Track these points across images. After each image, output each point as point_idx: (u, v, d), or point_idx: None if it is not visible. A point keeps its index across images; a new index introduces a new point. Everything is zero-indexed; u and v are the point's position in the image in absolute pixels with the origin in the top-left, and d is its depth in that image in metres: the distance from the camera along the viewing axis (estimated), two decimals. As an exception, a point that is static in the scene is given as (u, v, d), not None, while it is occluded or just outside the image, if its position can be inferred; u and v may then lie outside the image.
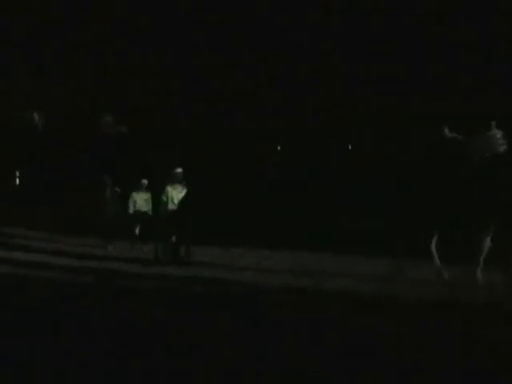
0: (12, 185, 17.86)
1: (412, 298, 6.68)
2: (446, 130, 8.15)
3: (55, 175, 16.37)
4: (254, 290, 7.58)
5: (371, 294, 6.97)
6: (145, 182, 13.06)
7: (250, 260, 10.49)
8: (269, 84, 17.01)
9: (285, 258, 10.80)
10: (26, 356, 4.33)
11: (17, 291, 7.14)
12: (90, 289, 7.55)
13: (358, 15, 16.12)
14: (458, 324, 5.48)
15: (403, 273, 8.49)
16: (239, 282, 8.16)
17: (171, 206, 10.66)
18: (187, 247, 10.33)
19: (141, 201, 12.94)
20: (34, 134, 18.11)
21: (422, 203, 8.65)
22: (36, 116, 18.12)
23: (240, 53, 17.21)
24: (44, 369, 4.09)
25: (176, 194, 10.69)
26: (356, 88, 16.05)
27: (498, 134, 7.80)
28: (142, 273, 9.12)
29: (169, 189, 10.71)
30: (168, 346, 4.73)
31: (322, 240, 11.62)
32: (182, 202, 10.58)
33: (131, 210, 12.90)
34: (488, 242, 7.63)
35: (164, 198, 10.80)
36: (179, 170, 10.81)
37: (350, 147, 16.69)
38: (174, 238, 10.57)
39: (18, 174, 18.00)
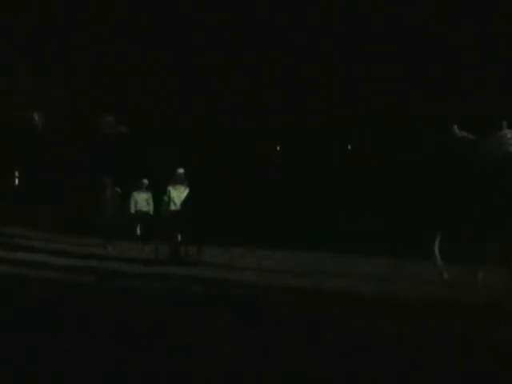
0: (12, 185, 17.85)
1: (412, 298, 6.68)
2: (456, 129, 8.10)
3: (55, 175, 16.36)
4: (254, 290, 7.59)
5: (371, 294, 6.97)
6: (145, 181, 13.06)
7: (250, 260, 10.49)
8: (269, 84, 17.01)
9: (285, 258, 10.79)
10: (26, 356, 4.33)
11: (17, 291, 7.14)
12: (90, 289, 7.55)
13: (358, 15, 16.13)
14: (458, 324, 5.48)
15: (403, 273, 8.49)
16: (239, 282, 8.15)
17: (173, 207, 10.65)
18: (198, 248, 10.30)
19: (141, 201, 12.93)
20: (34, 133, 18.11)
21: (428, 203, 8.62)
22: (36, 116, 18.12)
23: (240, 53, 17.22)
24: (44, 369, 4.09)
25: (178, 194, 10.69)
26: (356, 88, 16.05)
27: (509, 133, 7.78)
28: (142, 273, 9.12)
29: (170, 189, 10.71)
30: (168, 346, 4.73)
31: (322, 240, 11.61)
32: (186, 202, 10.58)
33: (132, 210, 12.89)
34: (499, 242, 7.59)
35: (166, 199, 10.79)
36: (181, 170, 10.80)
37: (349, 147, 16.68)
38: (176, 239, 10.55)
39: (17, 174, 17.99)
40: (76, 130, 17.41)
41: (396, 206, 12.53)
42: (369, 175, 14.27)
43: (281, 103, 16.89)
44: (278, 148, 17.61)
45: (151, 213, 12.85)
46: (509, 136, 7.75)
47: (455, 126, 8.11)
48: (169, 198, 10.71)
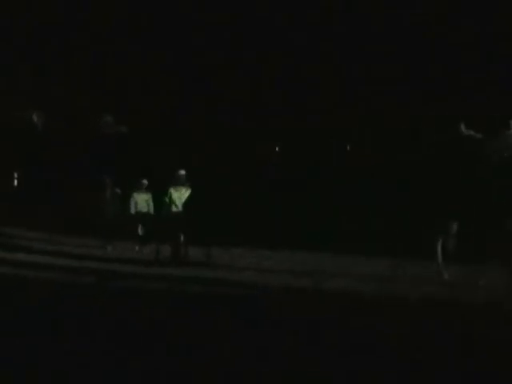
0: (11, 185, 17.85)
1: (412, 298, 6.68)
2: (463, 127, 8.08)
3: (55, 175, 16.36)
4: (254, 290, 7.59)
5: (371, 294, 6.97)
6: (145, 182, 13.05)
7: (250, 260, 10.49)
8: (269, 84, 17.00)
9: (285, 258, 10.79)
10: (26, 356, 4.33)
11: (17, 291, 7.15)
12: (90, 289, 7.55)
13: (358, 15, 16.12)
14: (458, 324, 5.48)
15: (403, 273, 8.50)
16: (239, 282, 8.16)
17: (174, 208, 10.63)
18: (208, 250, 10.27)
19: (142, 201, 12.92)
20: (34, 134, 18.10)
21: (430, 202, 8.61)
22: (35, 116, 18.11)
23: (240, 53, 17.21)
24: (44, 369, 4.09)
25: (179, 195, 10.67)
26: (356, 88, 16.04)
27: None
28: (142, 273, 9.13)
29: (172, 191, 10.68)
30: (168, 346, 4.73)
31: (322, 240, 11.61)
32: (187, 203, 10.57)
33: (132, 211, 12.88)
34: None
35: (167, 200, 10.76)
36: (182, 172, 10.78)
37: (348, 148, 16.68)
38: (178, 240, 10.54)
39: (16, 175, 17.99)
40: (76, 129, 17.40)
41: (396, 206, 12.54)
42: (369, 175, 14.28)
43: (281, 103, 16.88)
44: (278, 149, 17.61)
45: (151, 213, 12.85)
46: None
47: (462, 125, 8.07)
48: (170, 199, 10.69)
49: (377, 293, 7.05)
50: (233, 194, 13.52)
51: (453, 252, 7.84)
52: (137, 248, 12.12)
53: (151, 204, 12.90)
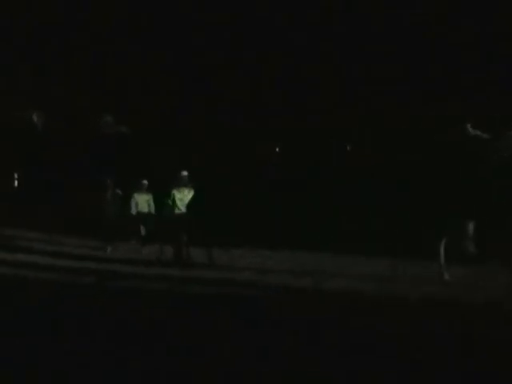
0: (11, 186, 17.84)
1: (412, 298, 6.68)
2: (469, 128, 8.06)
3: (55, 175, 16.35)
4: (254, 290, 7.59)
5: (371, 294, 6.97)
6: (145, 182, 13.05)
7: (250, 260, 10.49)
8: (269, 84, 16.99)
9: (285, 258, 10.79)
10: (26, 356, 4.33)
11: (17, 291, 7.15)
12: (90, 289, 7.55)
13: (358, 15, 16.11)
14: (458, 324, 5.48)
15: (403, 273, 8.49)
16: (239, 282, 8.16)
17: (177, 210, 10.61)
18: (210, 252, 10.25)
19: (142, 202, 12.92)
20: (34, 134, 18.09)
21: (433, 202, 8.59)
22: (35, 116, 18.11)
23: (240, 53, 17.20)
24: (44, 369, 4.10)
25: (182, 197, 10.65)
26: (356, 88, 16.03)
27: None
28: (142, 273, 9.13)
29: (175, 192, 10.66)
30: (168, 346, 4.73)
31: (322, 240, 11.61)
32: (191, 205, 10.55)
33: (133, 211, 12.87)
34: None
35: (170, 202, 10.72)
36: (185, 173, 10.76)
37: (348, 148, 16.67)
38: (181, 241, 10.51)
39: (16, 175, 17.98)
40: (76, 129, 17.40)
41: (396, 206, 12.54)
42: (369, 175, 14.27)
43: (281, 103, 16.87)
44: (278, 149, 17.61)
45: (153, 214, 12.83)
46: None
47: (469, 125, 8.05)
48: (173, 201, 10.66)
49: (377, 293, 7.05)
50: (233, 195, 13.51)
51: (474, 254, 7.77)
52: (146, 250, 12.05)
53: (152, 204, 12.91)
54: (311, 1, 16.68)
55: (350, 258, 10.20)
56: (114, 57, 17.91)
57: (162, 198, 11.43)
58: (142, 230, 12.94)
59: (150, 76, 17.64)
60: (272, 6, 16.81)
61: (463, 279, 7.71)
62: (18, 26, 17.94)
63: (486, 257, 7.70)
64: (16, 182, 17.97)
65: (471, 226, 7.69)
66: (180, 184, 10.70)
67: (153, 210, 12.88)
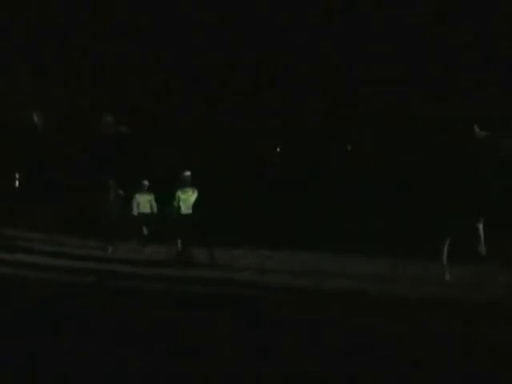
0: (11, 186, 17.84)
1: (412, 298, 6.68)
2: (477, 129, 8.04)
3: (55, 175, 16.35)
4: (254, 289, 7.59)
5: (371, 294, 6.97)
6: (146, 183, 13.04)
7: (250, 260, 10.49)
8: (269, 84, 17.00)
9: (285, 258, 10.79)
10: (26, 356, 4.33)
11: (17, 291, 7.15)
12: (90, 289, 7.56)
13: (358, 15, 16.11)
14: (458, 324, 5.48)
15: (403, 273, 8.49)
16: (239, 282, 8.16)
17: (182, 211, 10.58)
18: (210, 251, 10.21)
19: (144, 202, 12.91)
20: (34, 134, 18.10)
21: (434, 203, 8.57)
22: (35, 117, 18.11)
23: (240, 53, 17.20)
24: (44, 369, 4.10)
25: (186, 197, 10.63)
26: (356, 88, 16.04)
27: None
28: (142, 273, 9.12)
29: (179, 193, 10.63)
30: (168, 345, 4.73)
31: (322, 240, 11.61)
32: (196, 205, 10.54)
33: (135, 212, 12.86)
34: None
35: (175, 204, 10.68)
36: (188, 173, 10.73)
37: (348, 148, 16.67)
38: (188, 241, 10.49)
39: (17, 175, 17.98)
40: (76, 129, 17.41)
41: (396, 206, 12.54)
42: (369, 175, 14.27)
43: (281, 103, 16.87)
44: (278, 149, 17.61)
45: (155, 214, 12.82)
46: None
47: (476, 126, 8.04)
48: (178, 202, 10.63)
49: (377, 293, 7.05)
50: (233, 195, 13.51)
51: (484, 256, 7.76)
52: (142, 249, 12.07)
53: (154, 204, 12.90)
54: (311, 1, 16.68)
55: (350, 258, 10.19)
56: (114, 57, 17.92)
57: (166, 199, 11.40)
58: (145, 231, 12.94)
59: (150, 76, 17.65)
60: (272, 6, 16.81)
61: (463, 279, 7.71)
62: (18, 25, 17.94)
63: (486, 257, 7.70)
64: (17, 182, 17.96)
65: (481, 228, 7.69)
66: (184, 185, 10.66)
67: (155, 210, 12.87)
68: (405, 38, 15.12)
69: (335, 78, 15.93)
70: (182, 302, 6.75)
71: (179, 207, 10.61)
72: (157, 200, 12.92)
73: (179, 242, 10.71)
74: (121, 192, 13.13)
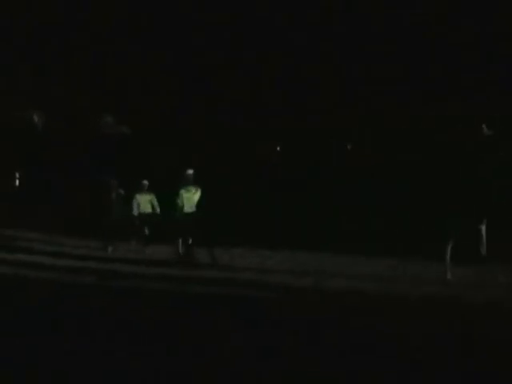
0: (12, 186, 17.84)
1: (412, 298, 6.68)
2: (485, 128, 8.03)
3: (55, 175, 16.35)
4: (254, 290, 7.59)
5: (371, 294, 6.97)
6: (146, 182, 13.02)
7: (250, 260, 10.49)
8: (269, 84, 17.00)
9: (285, 257, 10.79)
10: (26, 356, 4.33)
11: (17, 291, 7.15)
12: (90, 289, 7.56)
13: (358, 15, 16.11)
14: (458, 324, 5.48)
15: (403, 273, 8.50)
16: (239, 282, 8.16)
17: (186, 210, 10.55)
18: (211, 251, 10.18)
19: (145, 202, 12.89)
20: (34, 134, 18.10)
21: (434, 202, 8.56)
22: (36, 117, 18.12)
23: (240, 53, 17.21)
24: (44, 369, 4.10)
25: (190, 196, 10.59)
26: (356, 88, 16.04)
27: None
28: (142, 273, 9.12)
29: (182, 192, 10.60)
30: (168, 345, 4.73)
31: (322, 240, 11.61)
32: (199, 204, 10.51)
33: (135, 212, 12.84)
34: None
35: (179, 202, 10.63)
36: (190, 171, 10.69)
37: (349, 147, 16.67)
38: (193, 240, 10.46)
39: (17, 175, 17.98)
40: (76, 129, 17.41)
41: (396, 206, 12.54)
42: (369, 175, 14.26)
43: (281, 103, 16.87)
44: (278, 148, 17.61)
45: (157, 213, 12.80)
46: None
47: (484, 125, 8.02)
48: (182, 201, 10.59)
49: (377, 293, 7.05)
50: (233, 194, 13.51)
51: (485, 256, 7.74)
52: (143, 249, 12.07)
53: (155, 203, 12.87)
54: (311, 1, 16.69)
55: (350, 258, 10.19)
56: (114, 57, 17.92)
57: (169, 198, 11.36)
58: (146, 231, 12.92)
59: (150, 76, 17.65)
60: (272, 6, 16.81)
61: (463, 279, 7.71)
62: (18, 26, 17.95)
63: (487, 257, 7.70)
64: (17, 182, 17.96)
65: (484, 229, 7.68)
66: (187, 183, 10.62)
67: (157, 210, 12.84)
68: (405, 37, 15.12)
69: (335, 77, 15.93)
70: (182, 302, 6.75)
71: (182, 206, 10.58)
72: (158, 200, 12.90)
73: (182, 241, 10.69)
74: (122, 192, 13.11)
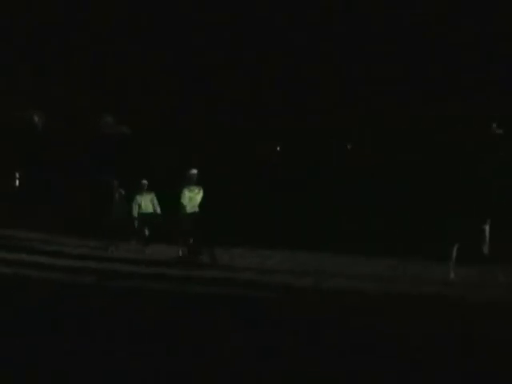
0: (12, 186, 17.83)
1: (412, 298, 6.68)
2: (495, 127, 8.01)
3: (55, 175, 16.34)
4: (254, 290, 7.59)
5: (371, 294, 6.97)
6: (145, 182, 13.01)
7: (250, 260, 10.49)
8: (269, 84, 17.00)
9: (285, 257, 10.79)
10: (26, 356, 4.33)
11: (18, 291, 7.15)
12: (91, 289, 7.55)
13: (358, 15, 16.11)
14: (458, 324, 5.48)
15: (403, 273, 8.50)
16: (239, 282, 8.16)
17: (189, 209, 10.54)
18: (211, 251, 10.16)
19: (146, 202, 12.87)
20: (34, 134, 18.10)
21: (434, 202, 8.56)
22: (36, 117, 18.12)
23: (240, 53, 17.21)
24: (44, 369, 4.10)
25: (193, 195, 10.57)
26: (356, 88, 16.04)
27: None
28: (142, 273, 9.12)
29: (185, 192, 10.57)
30: (168, 345, 4.73)
31: (322, 240, 11.61)
32: (202, 204, 10.50)
33: (135, 213, 12.82)
34: None
35: (183, 202, 10.60)
36: (194, 171, 10.65)
37: (349, 147, 16.67)
38: (197, 240, 10.45)
39: (17, 175, 17.97)
40: (76, 129, 17.40)
41: (396, 206, 12.54)
42: (369, 175, 14.27)
43: (281, 103, 16.87)
44: (278, 148, 17.61)
45: (158, 213, 12.78)
46: None
47: (494, 125, 8.00)
48: (185, 200, 10.56)
49: (377, 293, 7.06)
50: (233, 194, 13.50)
51: (487, 257, 7.73)
52: (143, 249, 12.06)
53: (156, 203, 12.85)
54: (311, 1, 16.69)
55: (350, 258, 10.20)
56: (114, 57, 17.92)
57: (169, 198, 11.34)
58: (146, 230, 12.91)
59: (150, 76, 17.65)
60: (272, 6, 16.81)
61: (463, 279, 7.71)
62: (18, 26, 17.95)
63: (489, 257, 7.70)
64: (17, 182, 17.95)
65: (488, 229, 7.67)
66: (190, 183, 10.59)
67: (158, 209, 12.81)
68: (405, 37, 15.12)
69: (335, 77, 15.93)
70: (182, 302, 6.75)
71: (185, 205, 10.55)
72: (158, 200, 12.89)
73: (184, 241, 10.68)
74: (122, 191, 13.11)
